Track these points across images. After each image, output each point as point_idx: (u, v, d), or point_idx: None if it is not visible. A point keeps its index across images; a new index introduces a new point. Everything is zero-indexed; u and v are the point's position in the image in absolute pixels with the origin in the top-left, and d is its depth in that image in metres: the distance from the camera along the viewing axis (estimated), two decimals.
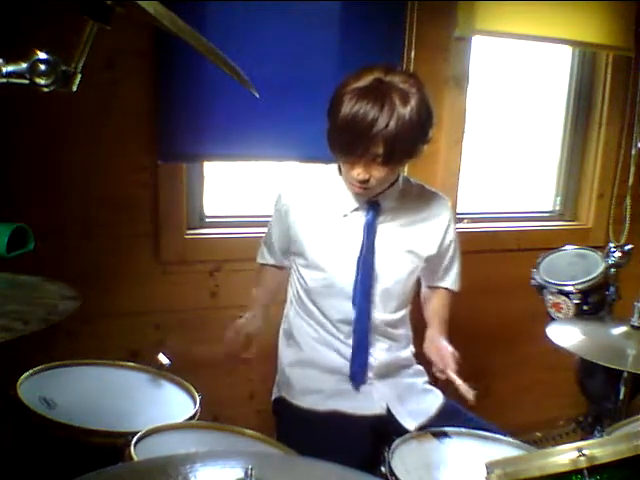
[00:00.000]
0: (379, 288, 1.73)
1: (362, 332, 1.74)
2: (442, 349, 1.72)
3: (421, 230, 1.79)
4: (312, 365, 1.77)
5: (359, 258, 1.71)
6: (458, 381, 1.60)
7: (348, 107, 1.55)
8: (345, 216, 1.72)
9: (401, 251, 1.76)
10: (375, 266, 1.72)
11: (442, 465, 1.49)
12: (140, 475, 0.97)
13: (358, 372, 1.75)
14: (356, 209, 1.72)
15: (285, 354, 1.86)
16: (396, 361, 1.82)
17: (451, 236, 1.83)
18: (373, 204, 1.72)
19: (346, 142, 1.58)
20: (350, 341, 1.75)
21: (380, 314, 1.75)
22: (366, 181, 1.61)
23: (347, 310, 1.73)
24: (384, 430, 1.65)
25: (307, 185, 1.82)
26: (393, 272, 1.75)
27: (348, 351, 1.75)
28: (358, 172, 1.60)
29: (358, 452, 1.54)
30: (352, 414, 1.69)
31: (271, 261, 1.91)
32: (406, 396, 1.77)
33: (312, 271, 1.75)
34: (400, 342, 1.84)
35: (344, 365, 1.75)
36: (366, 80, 1.57)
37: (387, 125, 1.52)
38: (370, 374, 1.76)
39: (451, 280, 1.89)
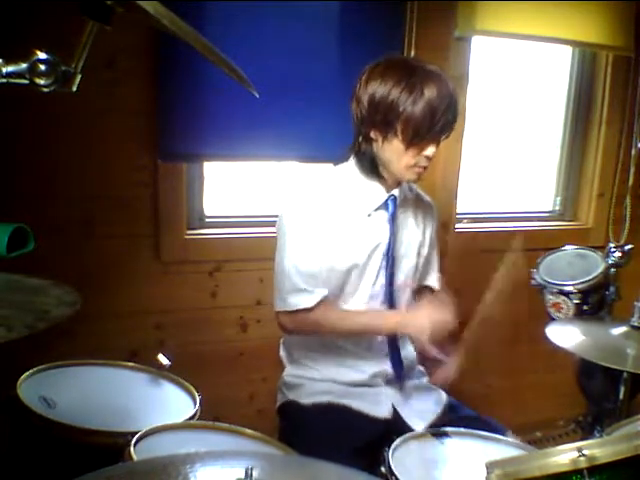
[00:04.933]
0: (396, 282, 1.73)
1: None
2: (438, 362, 1.72)
3: (424, 225, 1.82)
4: (322, 379, 1.76)
5: (386, 251, 1.70)
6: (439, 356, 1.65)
7: (431, 88, 1.55)
8: (369, 216, 1.70)
9: (414, 244, 1.77)
10: (395, 260, 1.72)
11: (442, 465, 1.49)
12: (140, 475, 0.97)
13: (398, 370, 1.76)
14: (379, 207, 1.70)
15: (291, 371, 1.83)
16: (412, 358, 1.84)
17: (434, 234, 1.87)
18: (392, 197, 1.71)
19: (445, 120, 1.57)
20: (360, 351, 1.74)
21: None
22: (430, 159, 1.62)
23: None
24: (392, 431, 1.64)
25: (321, 190, 1.71)
26: (406, 265, 1.76)
27: (358, 364, 1.75)
28: (432, 150, 1.60)
29: (365, 450, 1.55)
30: (361, 412, 1.70)
31: (323, 292, 1.66)
32: (412, 397, 1.78)
33: (339, 274, 1.69)
34: (409, 342, 1.85)
35: (353, 376, 1.75)
36: (409, 63, 1.62)
37: (457, 95, 1.60)
38: (382, 379, 1.76)
39: (434, 278, 1.89)
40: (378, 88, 1.58)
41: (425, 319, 1.62)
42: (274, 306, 1.70)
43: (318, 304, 1.65)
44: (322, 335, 1.73)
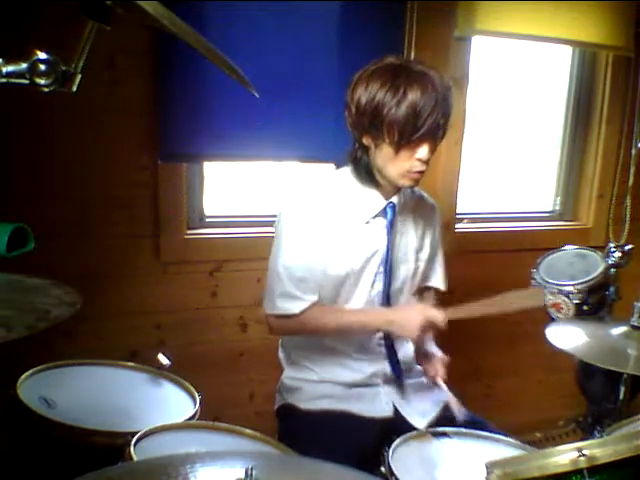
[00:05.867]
0: (392, 288, 1.73)
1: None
2: (431, 356, 1.75)
3: (423, 230, 1.81)
4: (320, 381, 1.76)
5: (383, 259, 1.69)
6: (450, 395, 1.65)
7: (414, 89, 1.52)
8: (367, 223, 1.69)
9: (412, 250, 1.77)
10: (392, 266, 1.72)
11: (442, 465, 1.49)
12: (140, 475, 0.97)
13: (396, 369, 1.77)
14: (377, 215, 1.69)
15: (289, 373, 1.83)
16: (410, 359, 1.83)
17: (437, 235, 1.86)
18: (391, 204, 1.70)
19: (431, 121, 1.53)
20: (357, 351, 1.74)
21: None
22: (427, 162, 1.59)
23: None
24: (393, 432, 1.63)
25: (321, 195, 1.70)
26: (403, 271, 1.75)
27: (356, 364, 1.75)
28: (424, 153, 1.57)
29: (366, 454, 1.54)
30: (361, 415, 1.70)
31: (313, 298, 1.66)
32: (412, 395, 1.78)
33: (335, 281, 1.69)
34: (407, 341, 1.85)
35: (351, 377, 1.75)
36: (395, 66, 1.59)
37: (449, 95, 1.58)
38: (380, 379, 1.76)
39: (439, 279, 1.88)
40: (364, 93, 1.56)
41: (415, 319, 1.60)
42: (263, 307, 1.70)
43: (305, 310, 1.64)
44: (309, 336, 1.73)
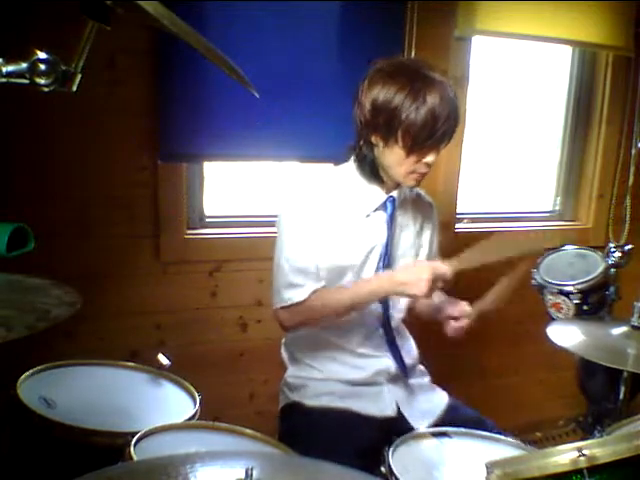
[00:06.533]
0: None
1: (388, 328, 1.75)
2: (446, 302, 1.76)
3: (422, 226, 1.82)
4: (324, 379, 1.76)
5: (383, 252, 1.70)
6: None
7: (433, 95, 1.54)
8: (368, 216, 1.70)
9: (411, 245, 1.78)
10: (392, 260, 1.72)
11: (442, 465, 1.49)
12: (140, 475, 0.97)
13: (400, 366, 1.76)
14: (377, 208, 1.70)
15: (293, 372, 1.82)
16: (413, 358, 1.83)
17: (434, 233, 1.87)
18: (391, 198, 1.71)
19: (446, 127, 1.55)
20: (360, 349, 1.74)
21: (394, 311, 1.77)
22: (431, 165, 1.61)
23: (369, 309, 1.73)
24: (394, 431, 1.62)
25: (321, 190, 1.71)
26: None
27: (360, 362, 1.75)
28: (432, 157, 1.59)
29: (367, 453, 1.54)
30: (363, 414, 1.70)
31: (316, 285, 1.66)
32: (415, 396, 1.78)
33: (336, 274, 1.69)
34: (410, 340, 1.86)
35: (356, 375, 1.74)
36: (411, 69, 1.59)
37: (458, 102, 1.59)
38: (384, 377, 1.76)
39: None
40: (380, 93, 1.56)
41: (423, 275, 1.57)
42: (272, 304, 1.70)
43: (310, 296, 1.64)
44: (321, 322, 1.71)
